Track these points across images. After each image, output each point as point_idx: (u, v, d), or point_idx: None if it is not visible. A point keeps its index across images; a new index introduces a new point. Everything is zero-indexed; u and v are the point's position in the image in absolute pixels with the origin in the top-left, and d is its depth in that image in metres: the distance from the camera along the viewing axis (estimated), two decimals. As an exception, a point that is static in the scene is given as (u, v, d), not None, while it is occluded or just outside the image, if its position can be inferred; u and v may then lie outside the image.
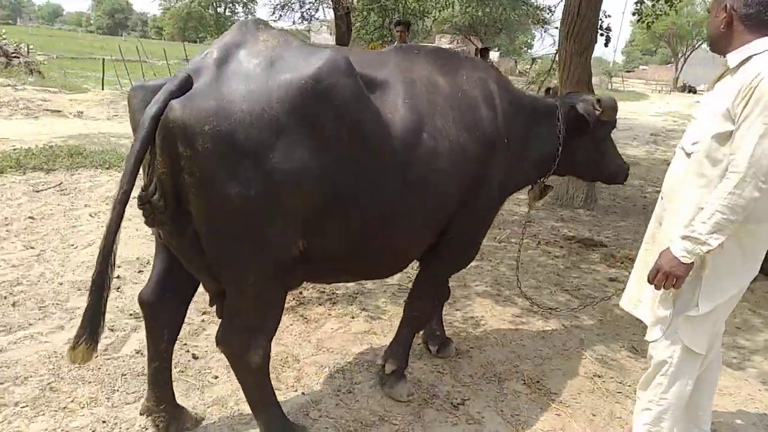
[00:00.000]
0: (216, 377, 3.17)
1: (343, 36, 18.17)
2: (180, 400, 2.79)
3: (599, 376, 3.48)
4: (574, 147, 3.24)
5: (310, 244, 2.27)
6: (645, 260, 2.55)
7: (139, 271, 4.42)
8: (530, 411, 3.08)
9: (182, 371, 3.20)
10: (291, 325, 3.81)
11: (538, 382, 3.35)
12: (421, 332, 3.53)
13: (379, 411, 2.98)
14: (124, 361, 3.24)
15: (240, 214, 2.08)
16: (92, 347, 2.13)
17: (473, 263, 3.99)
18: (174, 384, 2.71)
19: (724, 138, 2.19)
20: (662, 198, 2.54)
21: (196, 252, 2.22)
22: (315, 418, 2.89)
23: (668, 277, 2.25)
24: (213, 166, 2.00)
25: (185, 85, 2.03)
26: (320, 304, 4.14)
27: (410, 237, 2.66)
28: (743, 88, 2.11)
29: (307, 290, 4.30)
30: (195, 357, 3.35)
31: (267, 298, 2.32)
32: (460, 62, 2.87)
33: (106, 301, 2.15)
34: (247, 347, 2.33)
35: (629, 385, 3.39)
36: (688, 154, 2.35)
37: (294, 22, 18.06)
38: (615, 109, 3.21)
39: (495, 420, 2.98)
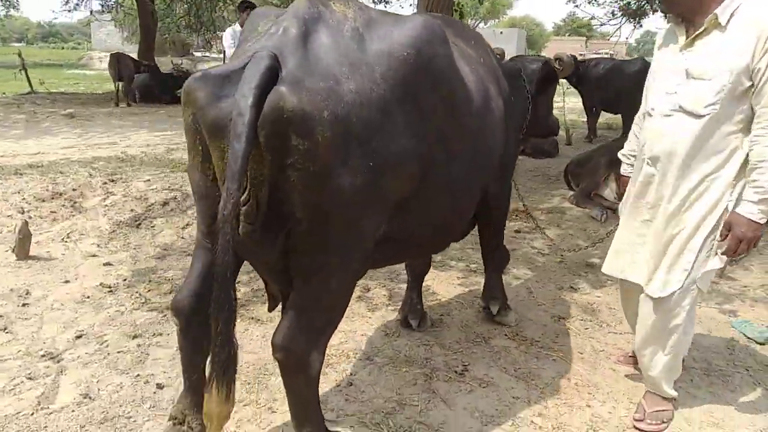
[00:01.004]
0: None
1: (148, 27, 16.68)
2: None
3: (563, 318, 3.63)
4: (536, 106, 3.48)
5: (389, 227, 2.07)
6: (637, 229, 2.56)
7: (23, 305, 3.56)
8: (528, 362, 3.10)
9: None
10: (247, 330, 3.38)
11: (518, 334, 3.39)
12: (401, 312, 3.49)
13: (392, 396, 2.77)
14: (70, 412, 2.57)
15: (348, 204, 1.85)
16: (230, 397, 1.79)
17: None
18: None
19: (743, 94, 2.21)
20: (655, 163, 2.42)
21: (280, 256, 1.93)
22: (332, 419, 2.58)
23: (750, 242, 2.23)
24: (330, 156, 1.75)
25: (274, 68, 1.72)
26: (262, 303, 3.72)
27: (473, 202, 2.70)
28: (761, 40, 2.12)
29: (240, 291, 3.84)
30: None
31: (344, 292, 2.10)
32: (464, 28, 3.03)
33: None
34: (310, 351, 2.01)
35: (590, 321, 3.60)
36: (699, 116, 2.27)
37: (92, 12, 16.14)
38: (572, 65, 3.51)
39: (504, 378, 2.94)
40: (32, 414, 2.52)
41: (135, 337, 3.23)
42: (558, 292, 4.06)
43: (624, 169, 2.85)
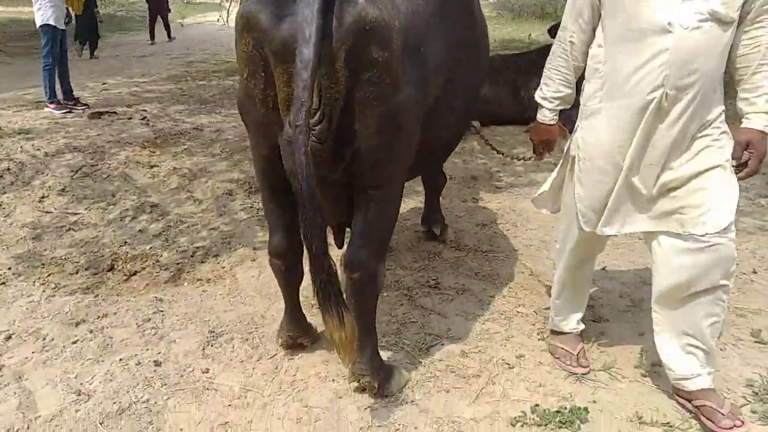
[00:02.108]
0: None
1: None
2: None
3: (485, 224, 4.02)
4: None
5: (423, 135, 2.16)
6: (643, 178, 2.09)
7: None
8: (483, 266, 3.44)
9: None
10: (205, 297, 3.16)
11: (460, 245, 3.69)
12: (423, 224, 3.80)
13: (389, 319, 2.88)
14: (74, 413, 2.24)
15: (409, 114, 1.95)
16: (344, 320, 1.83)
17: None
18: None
19: None
20: (682, 92, 1.94)
21: (341, 180, 2.00)
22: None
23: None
24: (399, 67, 1.81)
25: None
26: (202, 262, 3.49)
27: (467, 114, 2.78)
28: None
29: (161, 257, 3.53)
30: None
31: (400, 200, 2.25)
32: None
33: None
34: (379, 264, 2.14)
35: (504, 223, 4.04)
36: (728, 24, 1.90)
37: None
38: None
39: (473, 282, 3.24)
40: (28, 427, 2.14)
41: (78, 324, 2.84)
42: (465, 204, 4.43)
43: (545, 116, 2.36)
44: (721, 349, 2.62)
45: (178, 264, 3.46)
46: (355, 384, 2.33)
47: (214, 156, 5.42)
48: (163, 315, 2.91)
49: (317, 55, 1.62)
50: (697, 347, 2.14)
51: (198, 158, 5.33)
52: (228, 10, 8.62)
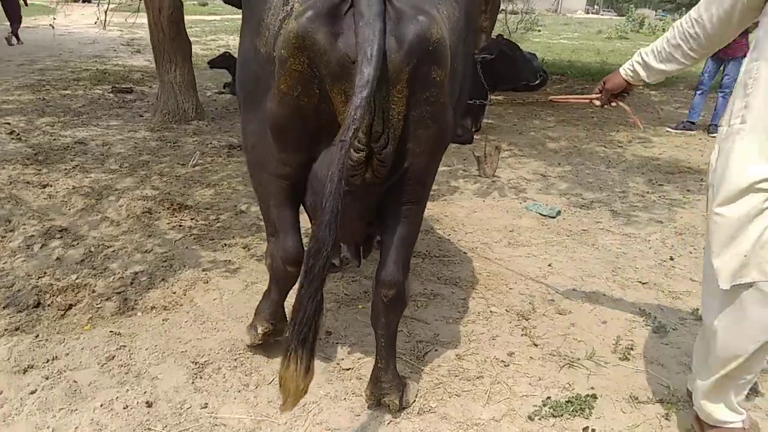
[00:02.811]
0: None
1: None
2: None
3: (450, 240, 4.13)
4: None
5: None
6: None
7: None
8: (442, 269, 3.53)
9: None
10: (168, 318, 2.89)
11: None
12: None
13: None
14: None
15: (450, 131, 2.01)
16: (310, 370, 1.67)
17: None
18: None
19: None
20: None
21: (383, 195, 2.02)
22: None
23: None
24: (447, 85, 1.81)
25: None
26: (149, 288, 3.19)
27: None
28: None
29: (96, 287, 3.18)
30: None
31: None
32: None
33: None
34: (406, 281, 2.17)
35: (440, 228, 4.19)
36: None
37: None
38: None
39: (439, 286, 3.31)
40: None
41: (26, 370, 2.46)
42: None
43: (624, 67, 2.33)
44: (673, 329, 2.96)
45: (119, 292, 3.12)
46: (373, 402, 2.29)
47: (114, 172, 4.95)
48: (128, 350, 2.62)
49: (376, 76, 1.58)
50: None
51: (96, 175, 4.83)
52: (105, 12, 7.76)
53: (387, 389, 2.24)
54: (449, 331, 2.89)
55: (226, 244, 3.73)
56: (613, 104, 2.49)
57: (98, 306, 3.00)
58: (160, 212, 4.15)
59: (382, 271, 2.09)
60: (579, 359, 2.69)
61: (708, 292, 2.03)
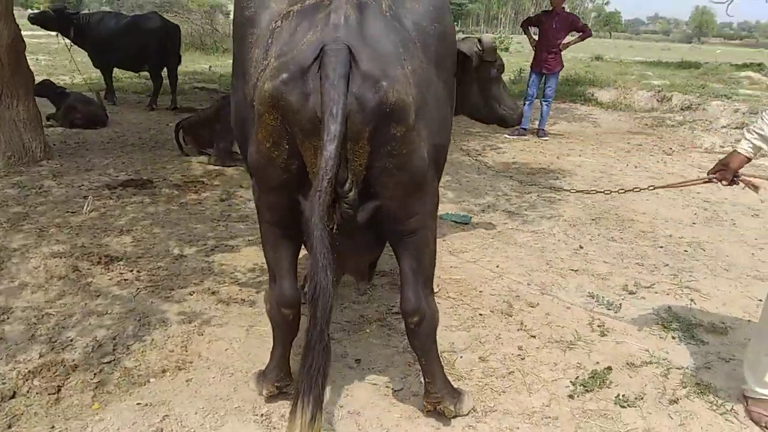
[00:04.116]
0: None
1: None
2: None
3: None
4: (465, 86, 3.57)
5: None
6: None
7: None
8: (442, 283, 3.77)
9: None
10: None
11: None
12: None
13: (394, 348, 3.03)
14: None
15: (427, 171, 2.09)
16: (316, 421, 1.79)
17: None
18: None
19: None
20: None
21: (370, 233, 2.17)
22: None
23: None
24: (414, 136, 1.95)
25: (349, 59, 1.79)
26: (142, 353, 2.93)
27: None
28: None
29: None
30: None
31: (435, 241, 2.31)
32: None
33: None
34: (429, 303, 2.28)
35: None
36: None
37: None
38: (494, 49, 3.63)
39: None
40: None
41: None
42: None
43: (742, 147, 2.53)
44: (619, 304, 3.59)
45: (107, 362, 2.81)
46: (430, 409, 2.47)
47: (-7, 230, 4.26)
48: (176, 419, 2.43)
49: (343, 132, 1.76)
50: None
51: (-27, 235, 4.12)
52: None
53: (439, 398, 2.42)
54: (458, 338, 3.15)
55: (188, 292, 3.51)
56: (740, 183, 2.64)
57: (94, 381, 2.68)
58: (89, 269, 3.72)
59: (402, 302, 2.26)
60: (572, 341, 3.16)
61: None
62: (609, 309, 3.53)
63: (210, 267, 3.86)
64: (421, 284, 2.25)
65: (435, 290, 3.49)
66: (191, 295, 3.49)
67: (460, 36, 3.53)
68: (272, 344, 2.52)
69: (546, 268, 4.10)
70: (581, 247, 4.50)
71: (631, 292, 3.77)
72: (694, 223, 5.13)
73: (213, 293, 3.52)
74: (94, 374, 2.73)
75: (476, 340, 3.14)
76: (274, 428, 2.40)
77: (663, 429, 2.52)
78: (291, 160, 1.95)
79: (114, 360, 2.84)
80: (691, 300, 3.66)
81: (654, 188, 3.24)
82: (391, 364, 2.90)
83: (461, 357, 2.98)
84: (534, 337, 3.19)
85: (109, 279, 3.62)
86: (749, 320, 3.44)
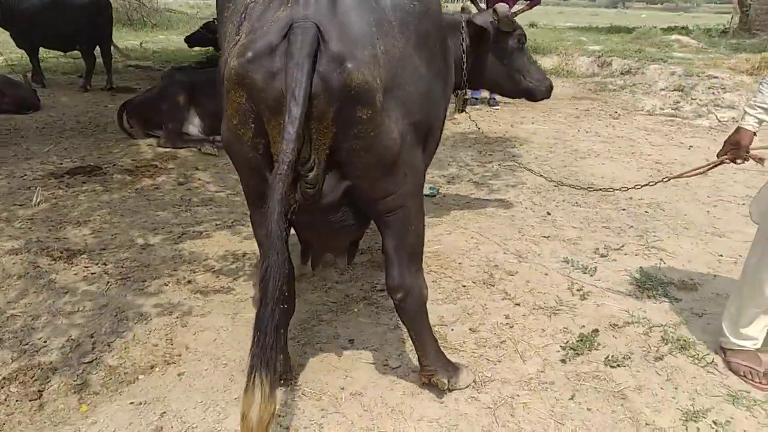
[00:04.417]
0: None
1: None
2: None
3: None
4: (483, 59, 3.50)
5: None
6: None
7: None
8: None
9: None
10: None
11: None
12: None
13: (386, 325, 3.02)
14: None
15: (400, 150, 2.04)
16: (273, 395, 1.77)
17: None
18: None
19: None
20: None
21: (347, 213, 2.14)
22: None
23: None
24: (383, 118, 1.92)
25: (317, 38, 1.76)
26: (125, 349, 2.79)
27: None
28: None
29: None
30: None
31: (421, 221, 2.31)
32: None
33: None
34: (415, 281, 2.29)
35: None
36: None
37: None
38: (509, 18, 3.49)
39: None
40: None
41: None
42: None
43: (748, 123, 2.59)
44: (594, 267, 3.70)
45: (88, 362, 2.68)
46: (425, 382, 2.50)
47: (-69, 228, 3.94)
48: (175, 415, 2.35)
49: (304, 114, 1.74)
50: None
51: None
52: None
53: (432, 371, 2.46)
54: (446, 310, 3.17)
55: (163, 283, 3.37)
56: (753, 159, 2.69)
57: (77, 383, 2.55)
58: (50, 264, 3.51)
59: (387, 279, 2.29)
60: (555, 307, 3.24)
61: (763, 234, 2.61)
62: (585, 273, 3.63)
63: (180, 255, 3.71)
64: (405, 262, 2.25)
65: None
66: (166, 285, 3.34)
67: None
68: None
69: (519, 236, 4.17)
70: (549, 214, 4.59)
71: (602, 255, 3.88)
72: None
73: (189, 282, 3.39)
74: (77, 375, 2.59)
75: (464, 311, 3.16)
76: (279, 416, 2.35)
77: (653, 385, 2.62)
78: (258, 138, 1.92)
79: (95, 359, 2.70)
80: (660, 260, 3.81)
81: (668, 179, 3.27)
82: (385, 342, 2.89)
83: (452, 330, 3.00)
84: (519, 305, 3.25)
85: (75, 274, 3.42)
86: (715, 276, 3.62)
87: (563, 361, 2.77)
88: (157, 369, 2.63)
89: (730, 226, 4.40)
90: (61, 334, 2.86)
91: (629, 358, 2.79)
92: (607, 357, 2.79)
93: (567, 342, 2.90)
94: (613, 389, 2.59)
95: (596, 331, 2.97)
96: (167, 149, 6.03)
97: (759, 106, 2.52)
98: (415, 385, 2.57)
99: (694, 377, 2.68)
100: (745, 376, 2.67)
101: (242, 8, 1.91)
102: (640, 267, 3.69)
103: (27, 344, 2.79)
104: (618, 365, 2.74)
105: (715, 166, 2.89)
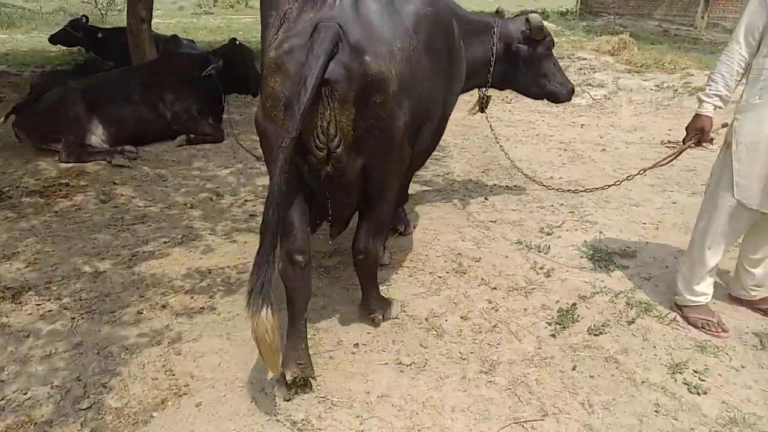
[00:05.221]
0: None
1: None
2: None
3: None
4: (511, 62, 3.75)
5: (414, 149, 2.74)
6: None
7: None
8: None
9: None
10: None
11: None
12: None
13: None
14: None
15: (404, 136, 2.44)
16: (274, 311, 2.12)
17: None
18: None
19: None
20: None
21: (353, 186, 2.50)
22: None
23: None
24: (394, 104, 2.29)
25: (338, 35, 2.12)
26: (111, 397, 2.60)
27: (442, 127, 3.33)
28: None
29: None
30: None
31: (395, 202, 2.86)
32: None
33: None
34: (377, 249, 2.78)
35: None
36: None
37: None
38: (541, 28, 3.63)
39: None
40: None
41: None
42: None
43: (706, 110, 2.90)
44: (546, 244, 4.01)
45: (88, 407, 2.46)
46: (365, 315, 3.04)
47: None
48: (211, 449, 2.25)
49: (309, 101, 2.04)
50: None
51: None
52: None
53: (373, 308, 2.99)
54: (434, 302, 3.30)
55: (135, 312, 3.15)
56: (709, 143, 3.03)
57: (88, 427, 2.35)
58: (15, 299, 3.15)
59: (354, 241, 2.75)
60: (527, 287, 3.49)
61: (710, 204, 2.97)
62: (540, 252, 3.92)
63: (141, 279, 3.48)
64: (373, 231, 2.70)
65: (388, 263, 3.62)
66: (141, 313, 3.13)
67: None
68: (288, 322, 2.55)
69: (469, 223, 4.39)
70: (486, 199, 4.87)
71: (548, 234, 4.22)
72: (564, 164, 5.82)
73: (164, 307, 3.20)
74: (81, 424, 2.38)
75: (450, 301, 3.31)
76: (319, 430, 2.35)
77: (635, 347, 2.94)
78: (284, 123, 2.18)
79: (94, 403, 2.49)
80: (600, 232, 4.22)
81: (644, 171, 3.58)
82: (389, 342, 2.95)
83: (446, 320, 3.13)
84: (495, 288, 3.45)
85: (29, 314, 3.10)
86: (646, 242, 4.09)
87: (553, 336, 3.01)
88: (170, 403, 2.49)
89: (641, 195, 4.96)
90: (42, 383, 2.60)
91: (607, 325, 3.10)
92: (589, 327, 3.07)
93: (552, 318, 3.15)
94: (604, 355, 2.87)
95: (575, 305, 3.25)
96: (71, 164, 5.52)
97: (714, 95, 2.89)
98: (434, 378, 2.67)
99: (664, 334, 3.05)
100: (703, 328, 3.08)
101: (282, 14, 2.29)
102: (585, 241, 4.07)
103: (5, 401, 2.50)
104: (600, 333, 3.03)
105: (682, 152, 3.25)
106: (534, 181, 4.39)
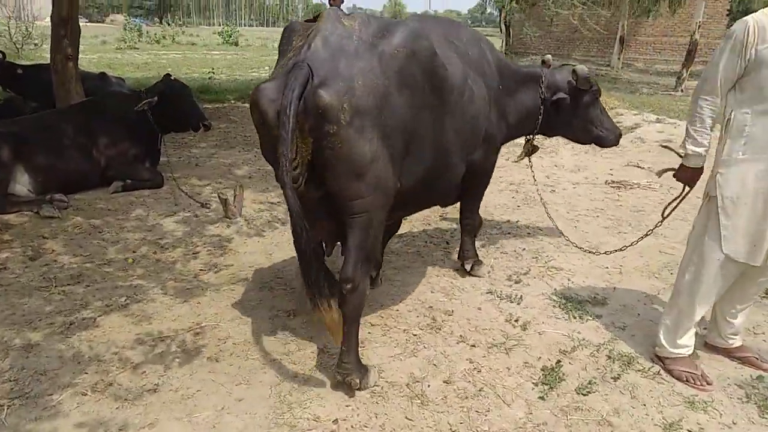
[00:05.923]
0: None
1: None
2: None
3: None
4: (559, 111, 3.86)
5: (402, 181, 2.83)
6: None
7: None
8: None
9: None
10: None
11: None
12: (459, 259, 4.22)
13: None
14: None
15: (368, 163, 2.55)
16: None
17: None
18: None
19: None
20: None
21: (324, 209, 2.70)
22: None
23: None
24: (349, 134, 2.46)
25: (308, 74, 2.40)
26: None
27: (458, 165, 3.39)
28: None
29: None
30: None
31: (380, 227, 2.85)
32: (455, 27, 3.50)
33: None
34: (363, 276, 2.73)
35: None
36: None
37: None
38: (588, 79, 3.74)
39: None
40: None
41: None
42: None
43: (697, 163, 2.93)
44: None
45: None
46: (339, 379, 2.80)
47: None
48: None
49: (295, 126, 2.36)
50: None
51: None
52: None
53: (349, 370, 2.77)
54: (412, 364, 3.08)
55: (76, 394, 2.76)
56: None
57: None
58: None
59: (342, 271, 2.72)
60: (505, 342, 3.33)
61: (696, 256, 2.94)
62: (512, 302, 3.80)
63: (80, 353, 3.07)
64: (360, 260, 2.70)
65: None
66: (84, 395, 2.74)
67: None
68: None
69: (436, 272, 4.23)
70: (448, 243, 4.74)
71: (516, 282, 4.11)
72: (518, 206, 5.81)
73: (110, 385, 2.82)
74: None
75: (429, 363, 3.11)
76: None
77: (625, 406, 2.83)
78: (273, 149, 2.46)
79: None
80: (567, 278, 4.16)
81: (662, 220, 3.45)
82: (401, 342, 2.71)
83: (429, 386, 2.92)
84: (474, 346, 3.29)
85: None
86: (613, 288, 4.06)
87: (542, 398, 2.86)
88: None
89: (597, 238, 4.98)
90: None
91: (594, 383, 2.98)
92: (577, 387, 2.95)
93: (537, 378, 3.00)
94: (596, 418, 2.74)
95: (559, 362, 3.12)
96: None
97: (703, 146, 2.90)
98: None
99: (651, 390, 2.96)
100: (687, 381, 3.02)
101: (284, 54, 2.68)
102: (555, 289, 4.00)
103: None
104: (589, 392, 2.91)
105: (684, 197, 3.23)
106: (581, 249, 4.42)
